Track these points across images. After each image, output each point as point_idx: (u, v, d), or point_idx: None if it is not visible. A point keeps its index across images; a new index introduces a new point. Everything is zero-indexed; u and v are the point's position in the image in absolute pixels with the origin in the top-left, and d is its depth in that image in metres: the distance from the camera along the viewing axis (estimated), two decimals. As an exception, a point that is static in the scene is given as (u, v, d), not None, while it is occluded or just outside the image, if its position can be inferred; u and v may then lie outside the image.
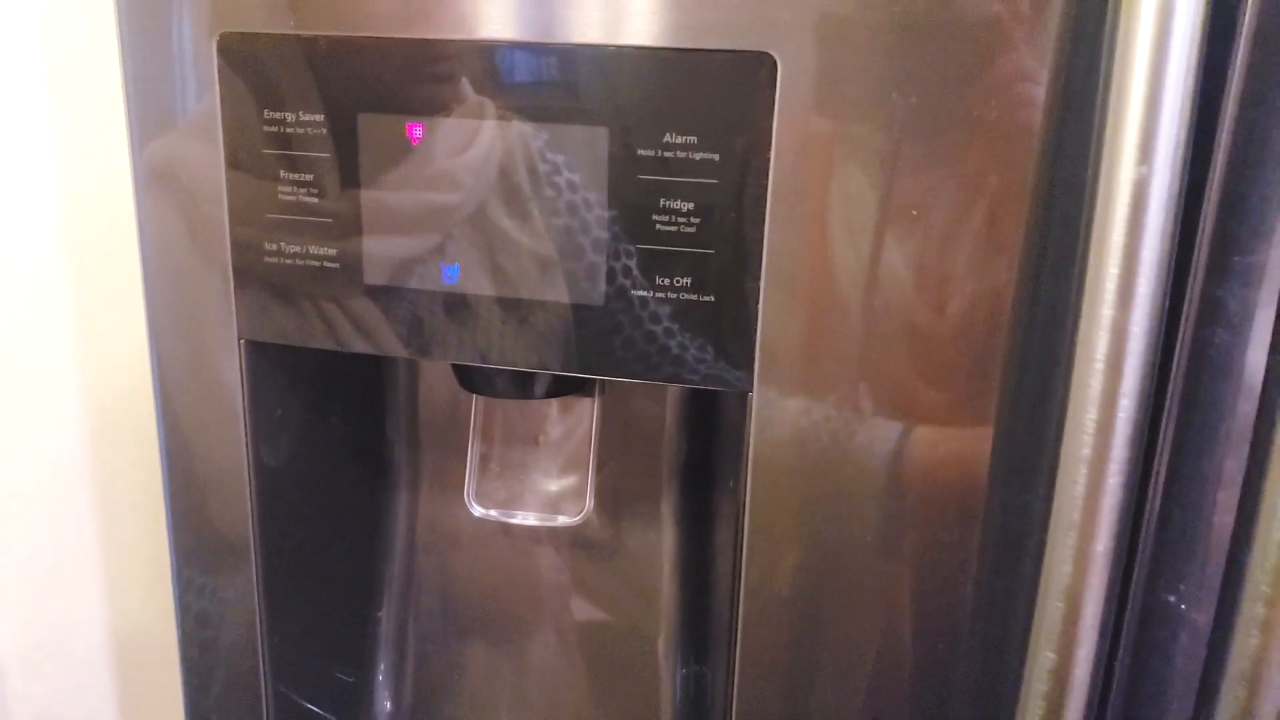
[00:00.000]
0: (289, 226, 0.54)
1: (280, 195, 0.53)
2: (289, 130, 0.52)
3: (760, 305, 0.50)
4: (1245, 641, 0.45)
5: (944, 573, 0.52)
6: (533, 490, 0.66)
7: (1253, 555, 0.44)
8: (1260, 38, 0.44)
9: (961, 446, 0.50)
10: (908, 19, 0.45)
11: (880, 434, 0.51)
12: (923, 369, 0.50)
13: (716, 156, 0.48)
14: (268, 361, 0.58)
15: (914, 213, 0.47)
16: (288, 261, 0.54)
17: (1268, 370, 0.44)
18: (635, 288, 0.51)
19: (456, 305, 0.53)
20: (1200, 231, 0.46)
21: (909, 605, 0.53)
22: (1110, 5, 0.42)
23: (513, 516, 0.65)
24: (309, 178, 0.53)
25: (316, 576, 0.67)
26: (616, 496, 0.70)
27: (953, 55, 0.45)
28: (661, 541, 0.70)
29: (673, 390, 0.67)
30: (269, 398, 0.60)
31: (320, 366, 0.61)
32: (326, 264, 0.54)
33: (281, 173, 0.53)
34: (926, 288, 0.48)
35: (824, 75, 0.46)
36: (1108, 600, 0.47)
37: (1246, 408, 0.47)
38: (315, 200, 0.53)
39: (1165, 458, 0.49)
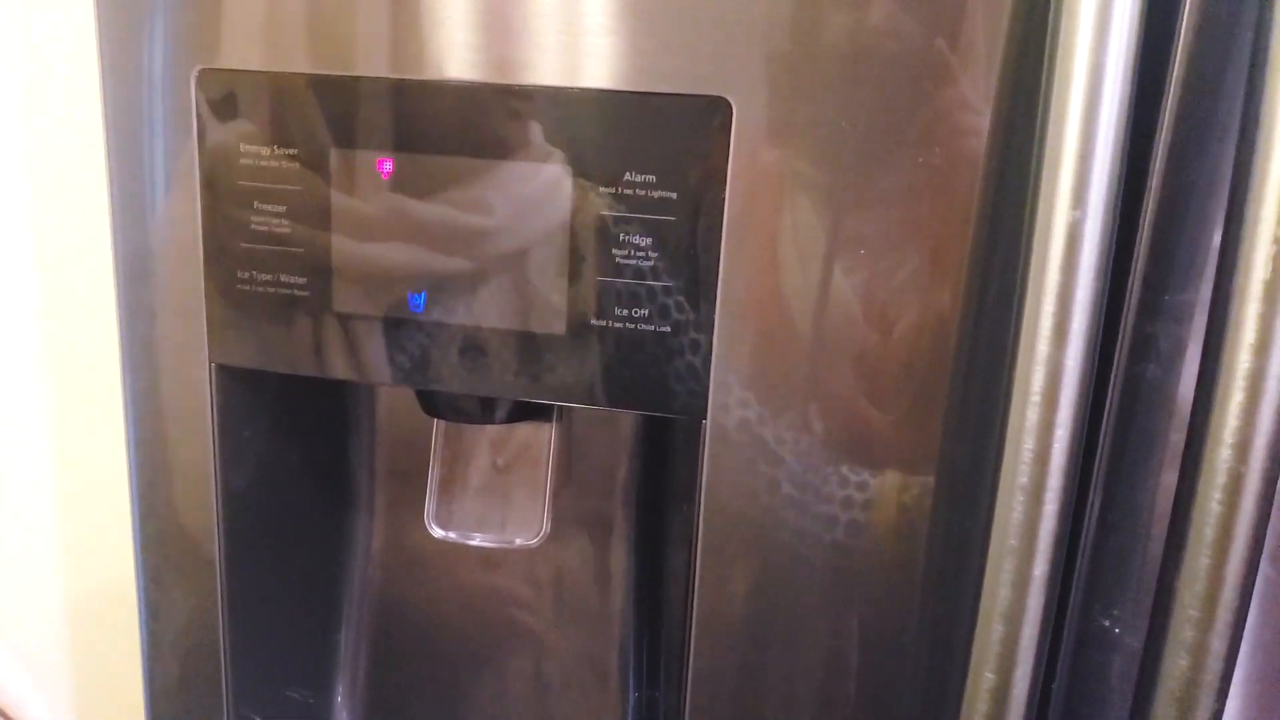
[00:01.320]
0: (261, 255, 0.55)
1: (253, 225, 0.54)
2: (264, 163, 0.53)
3: (714, 336, 0.51)
4: (1175, 663, 0.47)
5: (890, 596, 0.54)
6: (491, 513, 0.66)
7: (1181, 580, 0.46)
8: (1188, 92, 0.47)
9: (908, 473, 0.52)
10: (855, 60, 0.47)
11: (829, 462, 0.52)
12: (870, 398, 0.51)
13: (674, 194, 0.50)
14: (236, 385, 0.59)
15: (861, 251, 0.49)
16: (259, 289, 0.55)
17: (1195, 403, 0.46)
18: (595, 318, 0.52)
19: (422, 333, 0.54)
20: (1132, 272, 0.49)
21: (856, 628, 0.54)
22: (1046, 55, 0.44)
23: (471, 539, 0.66)
24: (280, 208, 0.54)
25: (279, 598, 0.68)
26: (572, 520, 0.71)
27: (898, 94, 0.47)
28: (615, 565, 0.71)
29: (628, 416, 0.68)
30: (237, 420, 0.60)
31: (285, 390, 0.62)
32: (297, 291, 0.55)
33: (255, 203, 0.54)
34: (874, 319, 0.50)
35: (776, 117, 0.48)
36: (1044, 623, 0.49)
37: (1177, 438, 0.49)
38: (287, 230, 0.54)
39: (1100, 486, 0.51)
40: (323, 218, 0.53)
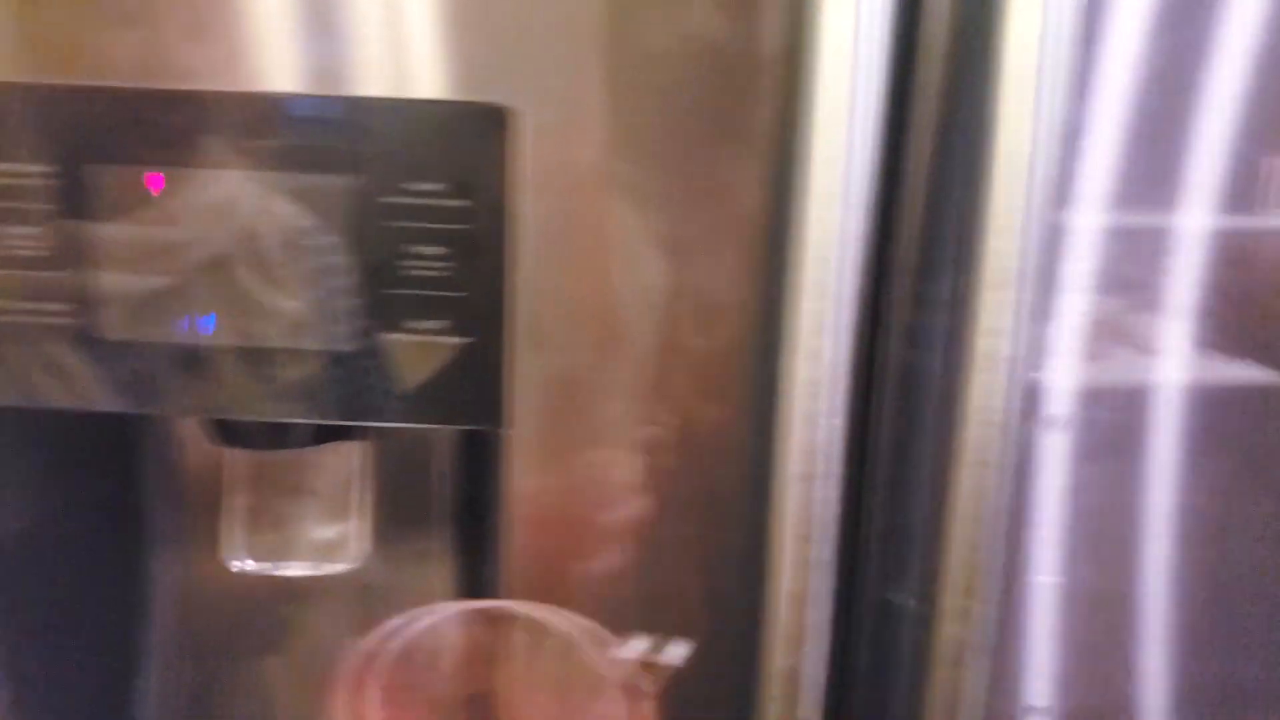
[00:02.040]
0: (13, 281, 0.52)
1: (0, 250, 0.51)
2: (8, 182, 0.50)
3: (509, 343, 0.51)
4: (950, 629, 0.50)
5: (697, 593, 0.55)
6: (300, 540, 0.64)
7: (948, 553, 0.49)
8: (936, 101, 0.50)
9: (710, 468, 0.54)
10: (639, 61, 0.49)
11: (634, 460, 0.53)
12: (669, 396, 0.52)
13: (462, 202, 0.50)
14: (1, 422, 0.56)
15: (656, 250, 0.50)
16: (11, 318, 0.52)
17: (948, 385, 0.49)
18: (387, 332, 0.52)
19: (201, 357, 0.52)
20: (894, 265, 0.52)
21: (660, 615, 0.56)
22: (803, 66, 0.47)
23: (278, 569, 0.63)
24: (34, 230, 0.51)
25: (69, 646, 0.64)
26: (391, 539, 0.70)
27: (681, 89, 0.49)
28: (438, 580, 0.70)
29: (440, 430, 0.68)
30: (3, 460, 0.57)
31: (59, 425, 0.59)
32: (56, 319, 0.52)
33: (1, 226, 0.51)
34: (669, 317, 0.51)
35: (561, 122, 0.49)
36: (834, 604, 0.51)
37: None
38: (46, 254, 0.51)
39: (879, 470, 0.54)
40: (85, 240, 0.51)
